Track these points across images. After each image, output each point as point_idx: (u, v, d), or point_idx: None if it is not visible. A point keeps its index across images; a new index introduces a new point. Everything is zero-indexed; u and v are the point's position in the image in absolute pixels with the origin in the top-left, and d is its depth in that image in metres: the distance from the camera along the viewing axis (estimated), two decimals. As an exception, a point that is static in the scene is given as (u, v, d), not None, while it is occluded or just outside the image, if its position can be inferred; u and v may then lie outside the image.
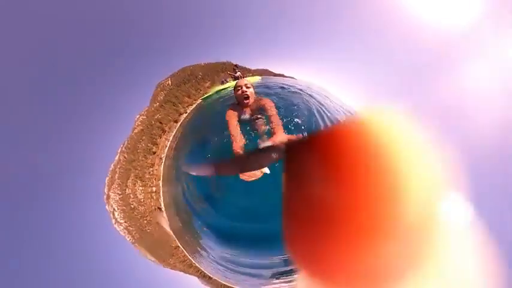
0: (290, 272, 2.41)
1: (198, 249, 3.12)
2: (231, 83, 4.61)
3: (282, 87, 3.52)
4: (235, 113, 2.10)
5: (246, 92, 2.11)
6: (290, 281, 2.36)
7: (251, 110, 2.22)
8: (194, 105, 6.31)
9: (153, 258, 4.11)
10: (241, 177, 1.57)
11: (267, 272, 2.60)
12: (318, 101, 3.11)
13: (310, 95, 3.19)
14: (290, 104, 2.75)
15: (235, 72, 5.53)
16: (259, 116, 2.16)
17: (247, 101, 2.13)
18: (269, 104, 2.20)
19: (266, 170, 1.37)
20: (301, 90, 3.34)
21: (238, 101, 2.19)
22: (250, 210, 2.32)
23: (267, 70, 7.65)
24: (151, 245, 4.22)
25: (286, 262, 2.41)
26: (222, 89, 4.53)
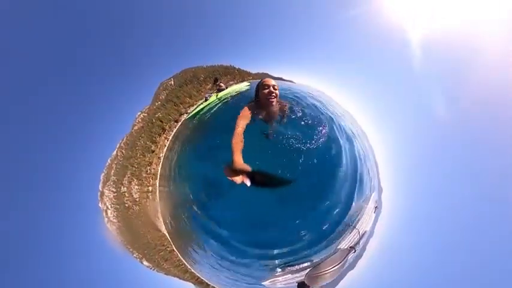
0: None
1: (194, 251, 2.90)
2: (213, 98, 4.54)
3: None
4: (250, 114, 1.91)
5: (273, 93, 1.95)
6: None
7: (269, 115, 2.10)
8: (180, 123, 6.34)
9: (147, 263, 3.83)
10: (224, 172, 1.51)
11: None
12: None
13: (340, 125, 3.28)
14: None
15: (218, 86, 5.48)
16: None
17: (273, 100, 1.98)
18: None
19: (247, 183, 1.35)
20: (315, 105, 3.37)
21: (261, 100, 2.01)
22: (241, 219, 2.43)
23: (267, 74, 7.60)
24: (145, 248, 3.95)
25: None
26: (206, 106, 4.42)
